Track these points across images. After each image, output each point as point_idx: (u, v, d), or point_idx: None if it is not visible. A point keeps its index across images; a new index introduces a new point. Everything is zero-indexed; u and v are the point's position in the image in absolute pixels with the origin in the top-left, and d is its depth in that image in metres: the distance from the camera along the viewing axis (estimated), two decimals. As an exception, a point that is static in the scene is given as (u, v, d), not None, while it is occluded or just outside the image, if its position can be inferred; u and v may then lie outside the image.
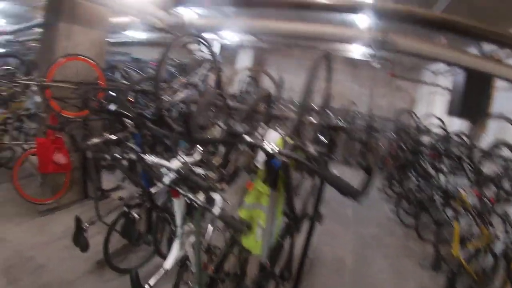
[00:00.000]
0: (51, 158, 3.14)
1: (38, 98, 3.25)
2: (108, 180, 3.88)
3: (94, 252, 2.76)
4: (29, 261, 2.82)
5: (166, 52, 2.56)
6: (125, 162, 2.49)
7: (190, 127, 1.85)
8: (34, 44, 7.94)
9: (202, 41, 3.30)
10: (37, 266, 2.78)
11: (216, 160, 2.15)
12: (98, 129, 3.59)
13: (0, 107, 4.83)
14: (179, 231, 1.97)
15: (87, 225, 2.60)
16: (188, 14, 4.13)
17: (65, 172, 3.52)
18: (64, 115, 3.30)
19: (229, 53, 9.49)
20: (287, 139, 1.75)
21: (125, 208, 2.46)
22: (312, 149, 1.73)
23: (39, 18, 6.57)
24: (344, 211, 5.12)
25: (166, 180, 1.68)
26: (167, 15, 3.96)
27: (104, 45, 3.85)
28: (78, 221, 2.53)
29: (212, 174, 1.74)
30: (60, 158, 3.19)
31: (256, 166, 1.74)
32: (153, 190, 2.29)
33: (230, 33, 6.37)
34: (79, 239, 2.59)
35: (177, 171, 1.66)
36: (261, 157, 1.72)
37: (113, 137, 2.29)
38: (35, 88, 3.23)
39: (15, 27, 8.00)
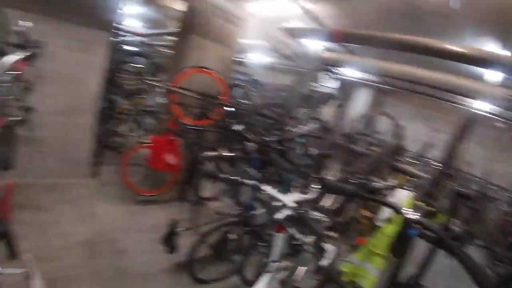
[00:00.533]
0: (163, 157, 3.42)
1: (160, 99, 3.62)
2: (207, 187, 4.04)
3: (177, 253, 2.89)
4: (113, 243, 3.10)
5: (301, 81, 2.61)
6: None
7: (318, 167, 1.79)
8: (163, 50, 9.06)
9: (335, 75, 3.34)
10: (119, 250, 3.04)
11: (328, 204, 2.07)
12: (212, 141, 3.86)
13: (124, 98, 5.62)
14: (272, 265, 1.92)
15: (180, 230, 2.72)
16: (314, 45, 4.24)
17: (171, 172, 3.82)
18: (183, 121, 3.62)
19: (347, 89, 9.45)
20: (419, 203, 1.58)
21: (221, 226, 2.50)
22: (454, 224, 1.53)
23: (171, 27, 7.46)
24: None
25: (279, 215, 1.65)
26: (294, 43, 4.11)
27: (230, 62, 4.18)
28: (173, 224, 2.66)
29: (325, 220, 1.67)
30: (171, 159, 3.47)
31: (375, 224, 1.61)
32: (254, 213, 2.29)
33: (350, 70, 6.33)
34: (169, 241, 2.72)
35: (293, 209, 1.63)
36: (383, 215, 1.59)
37: (228, 154, 2.38)
38: (159, 90, 3.59)
39: (150, 31, 9.25)
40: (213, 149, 3.18)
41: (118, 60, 5.09)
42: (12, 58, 1.39)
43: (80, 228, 3.14)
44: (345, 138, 2.82)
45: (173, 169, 3.66)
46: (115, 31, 3.94)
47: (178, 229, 2.72)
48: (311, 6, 3.79)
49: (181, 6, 4.27)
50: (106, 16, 3.76)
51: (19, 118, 3.04)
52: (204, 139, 3.77)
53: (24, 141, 3.56)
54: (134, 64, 5.88)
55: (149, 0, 5.92)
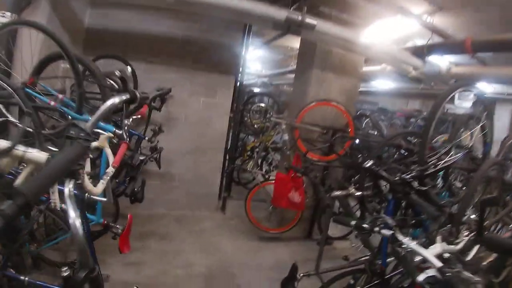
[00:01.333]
0: (287, 195, 3.41)
1: (286, 136, 3.69)
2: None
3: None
4: (232, 278, 3.10)
5: (440, 105, 2.23)
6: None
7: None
8: (286, 88, 9.53)
9: (471, 92, 2.80)
10: (237, 285, 3.02)
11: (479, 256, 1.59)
12: (339, 178, 3.72)
13: (251, 136, 6.02)
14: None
15: (301, 275, 2.56)
16: (442, 62, 3.71)
17: (296, 211, 3.75)
18: (308, 156, 3.56)
19: (487, 108, 7.98)
20: None
21: (346, 274, 2.24)
22: None
23: (292, 66, 7.79)
24: None
25: (420, 277, 1.32)
26: (421, 63, 3.69)
27: (355, 93, 4.01)
28: (294, 269, 2.52)
29: (478, 281, 1.23)
30: (295, 196, 3.42)
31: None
32: (386, 262, 1.97)
33: (487, 84, 5.33)
34: (289, 285, 2.57)
35: (439, 271, 1.27)
36: None
37: (357, 193, 2.14)
38: (284, 127, 3.67)
39: (270, 71, 9.93)
40: (341, 187, 3.00)
41: (244, 101, 5.56)
42: (114, 100, 1.63)
43: (202, 260, 3.29)
44: (498, 168, 2.20)
45: (298, 207, 3.58)
46: (240, 74, 4.31)
47: (299, 274, 2.56)
48: (433, 20, 3.36)
49: (299, 44, 4.39)
50: (231, 62, 4.14)
51: (150, 156, 3.49)
52: (331, 176, 3.65)
53: (156, 177, 4.06)
54: (259, 104, 6.31)
55: (268, 42, 6.34)
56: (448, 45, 3.59)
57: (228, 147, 4.45)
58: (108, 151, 1.41)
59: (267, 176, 4.45)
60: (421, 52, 3.73)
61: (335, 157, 3.47)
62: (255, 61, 9.64)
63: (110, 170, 1.32)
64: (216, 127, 4.21)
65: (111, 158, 1.38)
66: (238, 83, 4.28)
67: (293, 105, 4.14)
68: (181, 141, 4.11)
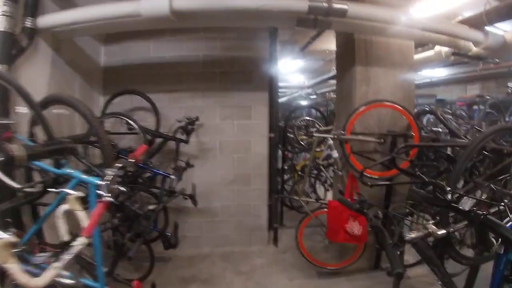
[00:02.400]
0: (343, 226, 2.89)
1: (335, 153, 3.17)
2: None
3: None
4: None
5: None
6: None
7: None
8: (332, 95, 8.95)
9: None
10: None
11: None
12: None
13: (299, 154, 5.56)
14: None
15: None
16: (507, 30, 2.98)
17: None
18: (366, 175, 2.97)
19: None
20: None
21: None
22: None
23: (333, 69, 7.26)
24: None
25: None
26: (483, 36, 3.00)
27: (411, 86, 3.37)
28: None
29: None
30: (354, 228, 2.87)
31: None
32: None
33: None
34: None
35: None
36: None
37: (440, 231, 1.50)
38: (330, 142, 3.18)
39: (313, 81, 9.42)
40: (409, 213, 2.44)
41: (286, 117, 5.15)
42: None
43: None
44: None
45: (359, 240, 3.00)
46: (275, 89, 3.95)
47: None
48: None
49: (335, 44, 3.88)
50: (262, 77, 3.79)
51: (185, 194, 3.27)
52: (396, 196, 3.09)
53: (196, 214, 3.78)
54: (305, 117, 5.85)
55: (303, 48, 5.91)
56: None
57: (275, 170, 4.06)
58: (81, 215, 1.10)
59: (321, 200, 3.97)
60: (479, 21, 3.04)
61: (399, 170, 2.84)
62: (296, 72, 9.23)
63: (79, 243, 1.00)
64: (257, 150, 3.85)
65: (83, 223, 1.06)
66: (273, 99, 3.92)
67: (340, 113, 3.62)
68: (219, 172, 3.82)
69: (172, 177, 3.14)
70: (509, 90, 7.30)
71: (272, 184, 4.02)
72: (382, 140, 3.07)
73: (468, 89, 9.29)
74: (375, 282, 3.26)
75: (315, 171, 4.95)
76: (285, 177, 5.01)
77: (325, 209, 3.18)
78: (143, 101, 3.52)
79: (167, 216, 3.45)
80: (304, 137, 4.99)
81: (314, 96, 11.35)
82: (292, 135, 5.07)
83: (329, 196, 5.10)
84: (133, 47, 3.59)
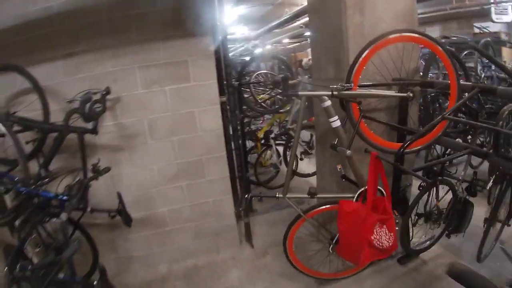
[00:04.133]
0: (368, 239, 2.03)
1: (335, 122, 2.17)
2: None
3: None
4: None
5: None
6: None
7: None
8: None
9: None
10: None
11: None
12: None
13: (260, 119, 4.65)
14: None
15: None
16: None
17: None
18: (383, 147, 2.16)
19: None
20: None
21: None
22: None
23: (286, 12, 6.32)
24: None
25: None
26: None
27: (414, 18, 2.43)
28: None
29: None
30: (382, 237, 2.03)
31: None
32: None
33: None
34: None
35: None
36: None
37: None
38: (326, 104, 2.14)
39: (263, 28, 8.26)
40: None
41: (238, 72, 4.12)
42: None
43: None
44: None
45: (387, 253, 2.20)
46: (223, 31, 2.84)
47: None
48: None
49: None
50: (204, 15, 2.59)
51: (111, 211, 2.35)
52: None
53: (138, 227, 2.80)
54: (260, 72, 4.84)
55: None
56: None
57: (234, 146, 3.09)
58: None
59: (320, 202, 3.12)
60: None
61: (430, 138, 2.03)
62: (238, 24, 8.16)
63: None
64: (206, 125, 2.78)
65: None
66: (220, 47, 2.81)
67: (320, 60, 2.66)
68: (154, 165, 2.75)
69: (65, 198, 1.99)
70: (477, 30, 6.96)
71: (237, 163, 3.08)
72: (411, 94, 2.17)
73: (427, 31, 9.07)
74: (386, 278, 2.67)
75: (284, 137, 4.13)
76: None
77: (323, 207, 2.31)
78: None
79: (95, 250, 2.43)
80: (264, 96, 4.04)
81: (269, 48, 10.34)
82: (249, 96, 4.08)
83: (304, 167, 4.33)
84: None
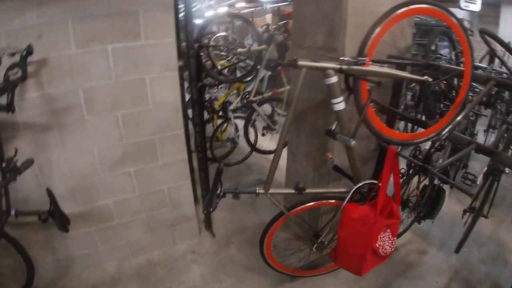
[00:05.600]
0: (373, 246, 1.87)
1: (339, 103, 1.84)
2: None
3: None
4: None
5: None
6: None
7: None
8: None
9: None
10: None
11: None
12: None
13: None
14: None
15: None
16: None
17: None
18: (389, 138, 1.95)
19: None
20: None
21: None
22: None
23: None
24: None
25: None
26: None
27: None
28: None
29: None
30: (386, 243, 1.89)
31: None
32: None
33: None
34: None
35: None
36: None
37: None
38: (333, 79, 1.78)
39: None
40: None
41: (198, 35, 3.61)
42: None
43: None
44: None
45: (385, 259, 2.06)
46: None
47: None
48: None
49: None
50: None
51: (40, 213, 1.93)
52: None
53: (80, 223, 2.37)
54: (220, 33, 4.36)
55: None
56: None
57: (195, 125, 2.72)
58: None
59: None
60: None
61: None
62: None
63: None
64: (159, 97, 2.32)
65: None
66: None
67: (307, 25, 2.31)
68: (94, 147, 2.26)
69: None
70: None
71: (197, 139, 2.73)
72: (430, 79, 1.91)
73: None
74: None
75: (244, 110, 3.88)
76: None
77: (311, 204, 2.08)
78: None
79: (27, 259, 2.05)
80: (224, 62, 3.63)
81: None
82: (208, 61, 3.64)
83: (265, 144, 4.09)
84: None
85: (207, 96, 4.08)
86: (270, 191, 1.98)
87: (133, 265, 2.64)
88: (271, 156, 3.95)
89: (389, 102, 2.31)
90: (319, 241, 2.20)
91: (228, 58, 3.86)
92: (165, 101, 2.36)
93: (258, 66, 3.49)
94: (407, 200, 2.74)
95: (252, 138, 4.01)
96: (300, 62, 1.71)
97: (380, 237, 1.88)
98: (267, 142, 4.08)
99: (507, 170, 2.59)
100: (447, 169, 3.07)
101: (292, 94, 2.48)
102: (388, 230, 1.91)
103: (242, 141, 4.11)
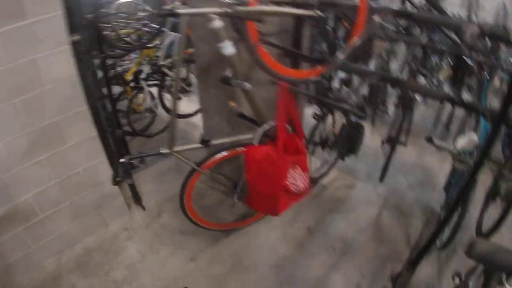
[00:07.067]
0: (283, 184, 2.04)
1: (228, 48, 1.91)
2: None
3: None
4: None
5: None
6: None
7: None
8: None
9: None
10: None
11: None
12: None
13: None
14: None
15: None
16: None
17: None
18: (277, 73, 2.04)
19: None
20: None
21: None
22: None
23: None
24: None
25: None
26: None
27: None
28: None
29: None
30: (297, 179, 2.08)
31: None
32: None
33: None
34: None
35: None
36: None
37: None
38: (217, 24, 1.84)
39: None
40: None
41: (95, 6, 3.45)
42: None
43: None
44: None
45: (303, 195, 2.26)
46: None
47: None
48: None
49: None
50: None
51: None
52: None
53: (4, 226, 2.35)
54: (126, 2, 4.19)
55: None
56: None
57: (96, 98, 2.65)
58: None
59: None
60: None
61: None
62: None
63: None
64: (54, 74, 2.30)
65: None
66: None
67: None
68: (0, 144, 2.22)
69: None
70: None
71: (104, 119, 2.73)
72: (319, 12, 2.05)
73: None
74: (292, 211, 2.83)
75: (156, 76, 3.86)
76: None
77: (221, 155, 2.25)
78: None
79: None
80: (127, 30, 3.57)
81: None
82: (110, 32, 3.54)
83: (183, 107, 4.17)
84: None
85: (119, 69, 4.00)
86: (175, 148, 2.12)
87: (70, 256, 2.70)
88: (192, 119, 4.09)
89: (292, 44, 2.46)
90: (237, 190, 2.40)
91: (132, 25, 3.78)
92: (61, 78, 2.35)
93: (163, 29, 3.49)
94: (326, 139, 2.99)
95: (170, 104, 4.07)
96: (179, 11, 1.73)
97: (290, 175, 2.08)
98: (185, 105, 4.15)
99: (418, 98, 2.90)
100: (363, 106, 3.36)
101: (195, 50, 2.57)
102: (297, 167, 2.12)
103: (161, 110, 4.19)
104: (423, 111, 4.79)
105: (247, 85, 1.99)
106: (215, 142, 2.19)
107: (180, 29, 1.86)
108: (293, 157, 2.10)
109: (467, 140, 1.94)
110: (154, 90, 4.09)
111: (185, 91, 4.06)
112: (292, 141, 2.15)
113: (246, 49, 1.95)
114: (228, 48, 1.89)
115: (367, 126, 3.48)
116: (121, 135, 3.07)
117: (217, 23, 1.79)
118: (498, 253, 1.16)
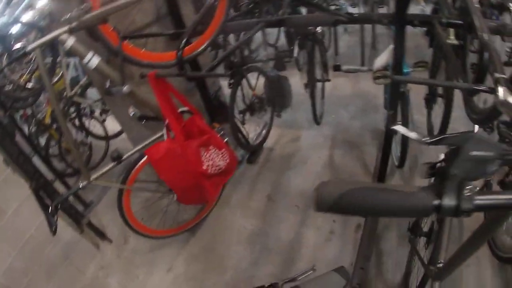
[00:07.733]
0: (201, 171, 2.06)
1: (92, 60, 1.84)
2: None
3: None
4: None
5: None
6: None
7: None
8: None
9: None
10: None
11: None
12: None
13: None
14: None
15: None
16: None
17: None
18: (157, 62, 2.02)
19: None
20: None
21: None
22: None
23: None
24: None
25: None
26: None
27: None
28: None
29: None
30: (215, 158, 2.11)
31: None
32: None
33: None
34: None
35: None
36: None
37: None
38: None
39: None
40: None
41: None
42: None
43: None
44: None
45: (231, 170, 2.30)
46: None
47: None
48: None
49: None
50: None
51: None
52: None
53: None
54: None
55: None
56: None
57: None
58: None
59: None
60: None
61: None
62: None
63: None
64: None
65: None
66: None
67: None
68: None
69: None
70: None
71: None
72: None
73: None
74: (246, 184, 3.04)
75: (73, 109, 3.88)
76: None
77: (139, 164, 2.27)
78: None
79: None
80: (26, 76, 3.45)
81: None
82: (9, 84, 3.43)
83: (110, 127, 4.12)
84: None
85: (40, 116, 3.89)
86: (92, 177, 2.14)
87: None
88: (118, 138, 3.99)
89: (175, 25, 2.49)
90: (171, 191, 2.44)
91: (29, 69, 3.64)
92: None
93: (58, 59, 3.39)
94: (250, 104, 3.04)
95: (100, 130, 4.08)
96: (29, 47, 1.70)
97: (204, 158, 2.10)
98: (112, 124, 4.06)
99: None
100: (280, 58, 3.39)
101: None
102: (211, 147, 2.15)
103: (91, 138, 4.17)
104: (347, 40, 4.89)
105: (126, 88, 1.98)
106: (126, 155, 2.20)
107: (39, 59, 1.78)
108: (199, 139, 2.09)
109: (386, 56, 1.85)
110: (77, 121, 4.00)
111: (106, 111, 4.00)
112: (193, 124, 2.16)
113: (111, 52, 1.91)
114: (92, 60, 1.85)
115: (295, 74, 3.52)
116: (42, 185, 3.01)
117: (70, 42, 1.75)
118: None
